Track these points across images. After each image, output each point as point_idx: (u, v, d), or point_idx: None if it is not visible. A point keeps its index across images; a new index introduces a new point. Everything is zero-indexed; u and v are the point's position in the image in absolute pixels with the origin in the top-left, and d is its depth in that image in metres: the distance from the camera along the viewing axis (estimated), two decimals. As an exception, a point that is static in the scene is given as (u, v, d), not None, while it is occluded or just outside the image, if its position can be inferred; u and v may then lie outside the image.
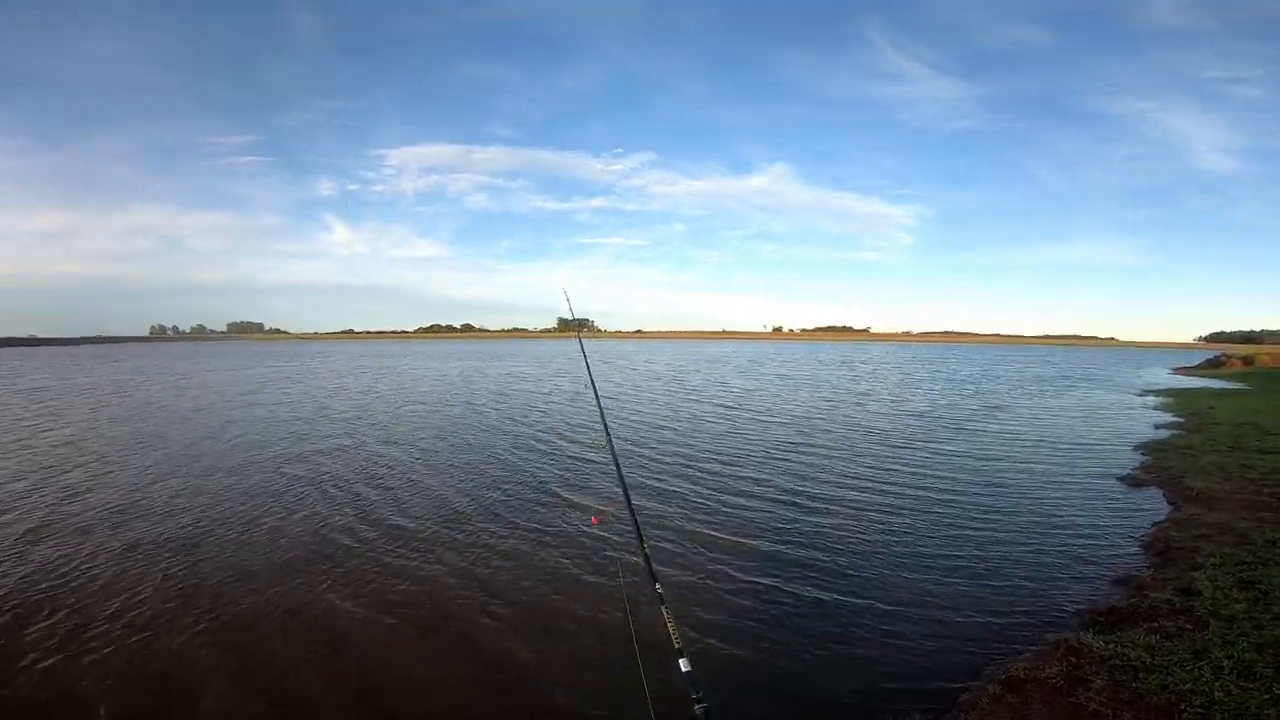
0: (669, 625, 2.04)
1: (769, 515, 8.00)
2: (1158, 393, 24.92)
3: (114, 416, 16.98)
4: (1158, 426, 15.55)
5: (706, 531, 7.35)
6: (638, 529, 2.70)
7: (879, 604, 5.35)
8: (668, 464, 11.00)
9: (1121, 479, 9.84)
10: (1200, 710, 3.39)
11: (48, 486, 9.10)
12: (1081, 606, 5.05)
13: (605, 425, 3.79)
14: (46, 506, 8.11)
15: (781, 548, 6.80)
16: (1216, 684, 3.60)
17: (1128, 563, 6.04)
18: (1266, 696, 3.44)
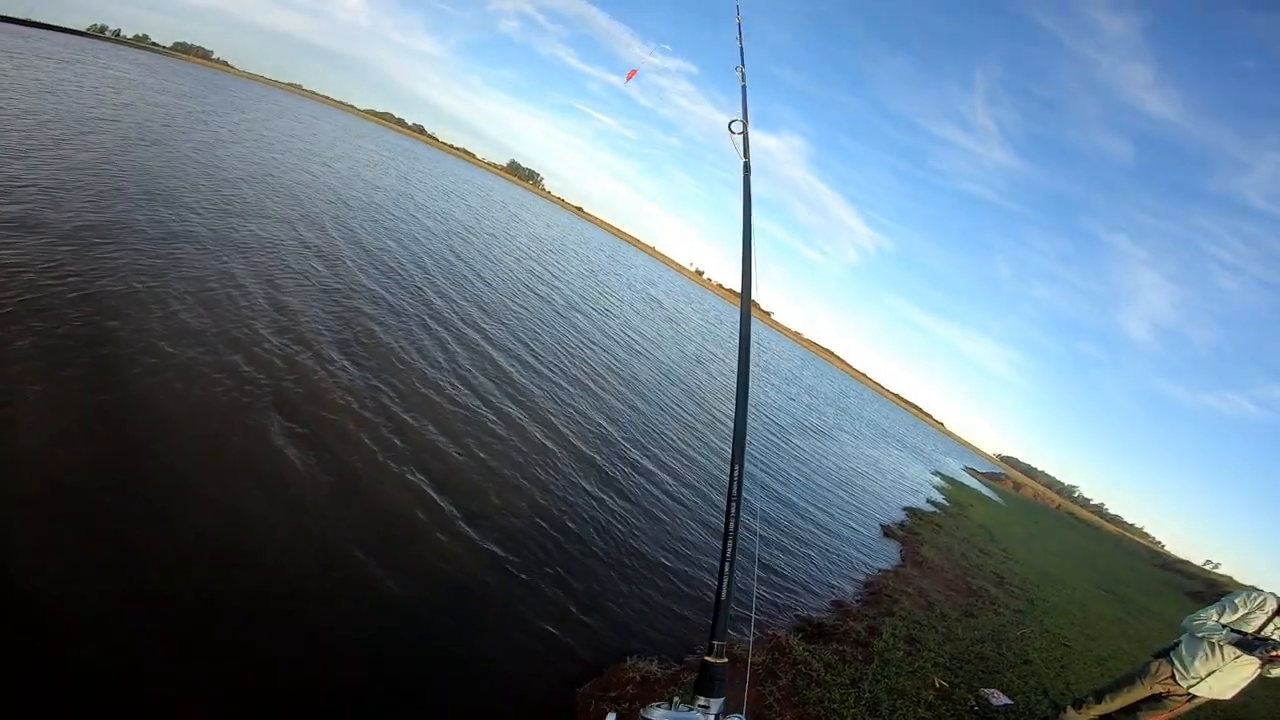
0: None
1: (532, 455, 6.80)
2: (945, 478, 29.94)
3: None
4: (929, 501, 18.75)
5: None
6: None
7: (645, 559, 5.67)
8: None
9: (882, 526, 11.78)
10: (835, 726, 4.25)
11: None
12: (803, 614, 5.99)
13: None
14: None
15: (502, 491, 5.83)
16: (852, 711, 4.49)
17: (849, 592, 7.29)
18: (874, 730, 4.42)
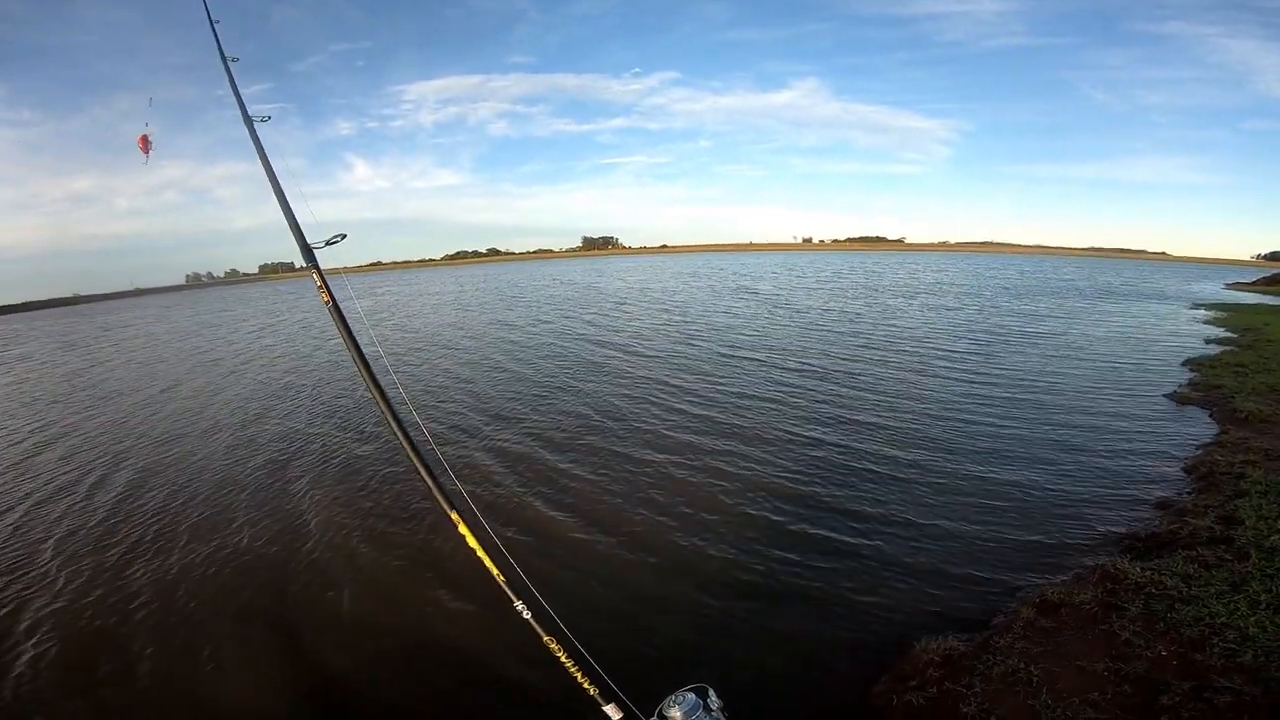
0: None
1: (787, 440, 8.00)
2: (1210, 307, 23.52)
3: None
4: (1208, 341, 14.86)
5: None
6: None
7: (908, 529, 5.33)
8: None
9: (1168, 396, 9.57)
10: (1233, 645, 3.40)
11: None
12: (1121, 531, 5.04)
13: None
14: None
15: (796, 476, 6.74)
16: (1252, 619, 3.59)
17: (1170, 487, 5.97)
18: (1304, 634, 3.49)
